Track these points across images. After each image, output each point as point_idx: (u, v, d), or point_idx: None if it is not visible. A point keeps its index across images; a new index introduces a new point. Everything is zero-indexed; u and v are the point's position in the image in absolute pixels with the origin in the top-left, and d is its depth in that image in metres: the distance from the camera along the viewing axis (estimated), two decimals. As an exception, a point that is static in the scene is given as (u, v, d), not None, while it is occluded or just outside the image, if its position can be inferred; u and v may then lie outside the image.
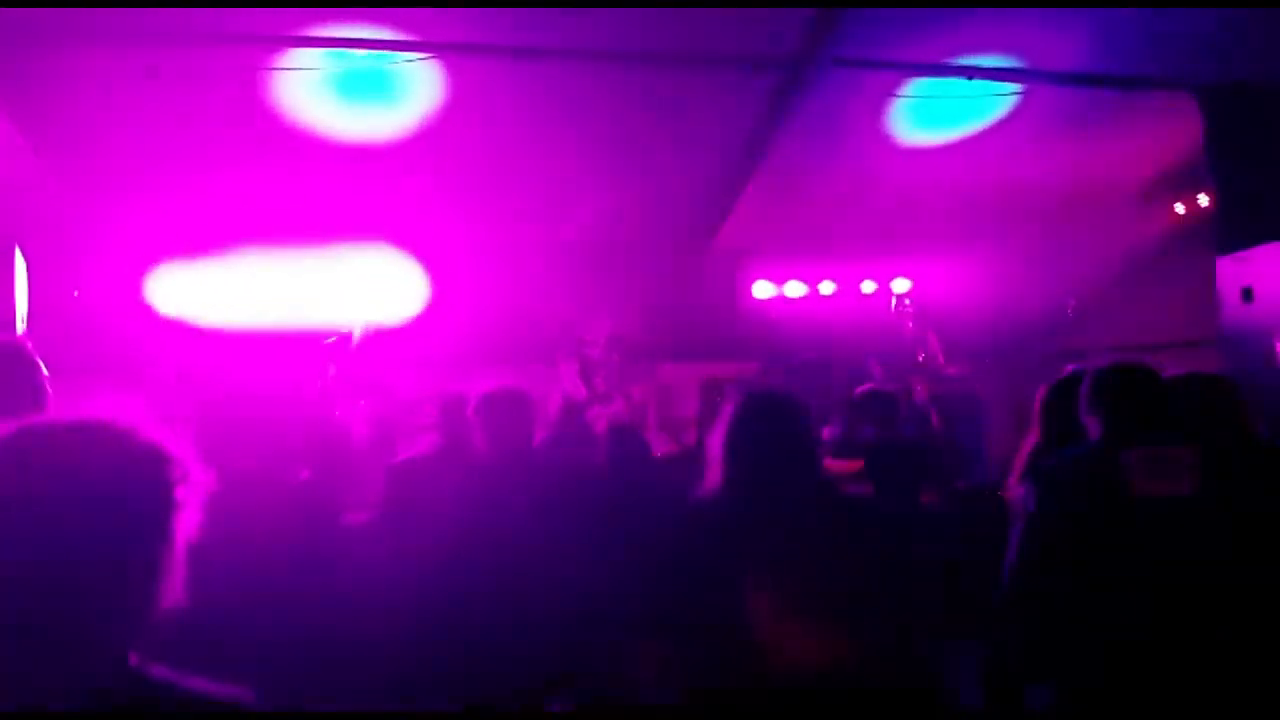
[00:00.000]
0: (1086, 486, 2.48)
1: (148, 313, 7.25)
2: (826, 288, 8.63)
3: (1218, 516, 2.38)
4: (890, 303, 8.04)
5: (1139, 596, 2.32)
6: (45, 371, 2.41)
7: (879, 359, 7.57)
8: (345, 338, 6.74)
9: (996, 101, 6.97)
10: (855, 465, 4.15)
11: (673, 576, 2.35)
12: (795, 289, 8.59)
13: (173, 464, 1.26)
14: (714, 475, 2.45)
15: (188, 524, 1.26)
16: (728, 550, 2.26)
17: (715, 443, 2.47)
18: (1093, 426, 2.71)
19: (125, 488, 1.21)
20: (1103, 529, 2.40)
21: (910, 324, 7.74)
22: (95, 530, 1.16)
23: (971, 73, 6.61)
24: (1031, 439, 3.38)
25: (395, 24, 5.71)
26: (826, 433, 4.86)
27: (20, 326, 4.84)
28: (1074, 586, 2.37)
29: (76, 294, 6.66)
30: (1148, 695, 2.29)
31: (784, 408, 2.48)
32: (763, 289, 8.55)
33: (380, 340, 6.80)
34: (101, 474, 1.20)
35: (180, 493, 1.25)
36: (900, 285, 8.57)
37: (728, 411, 2.49)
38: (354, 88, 6.19)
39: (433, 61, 6.01)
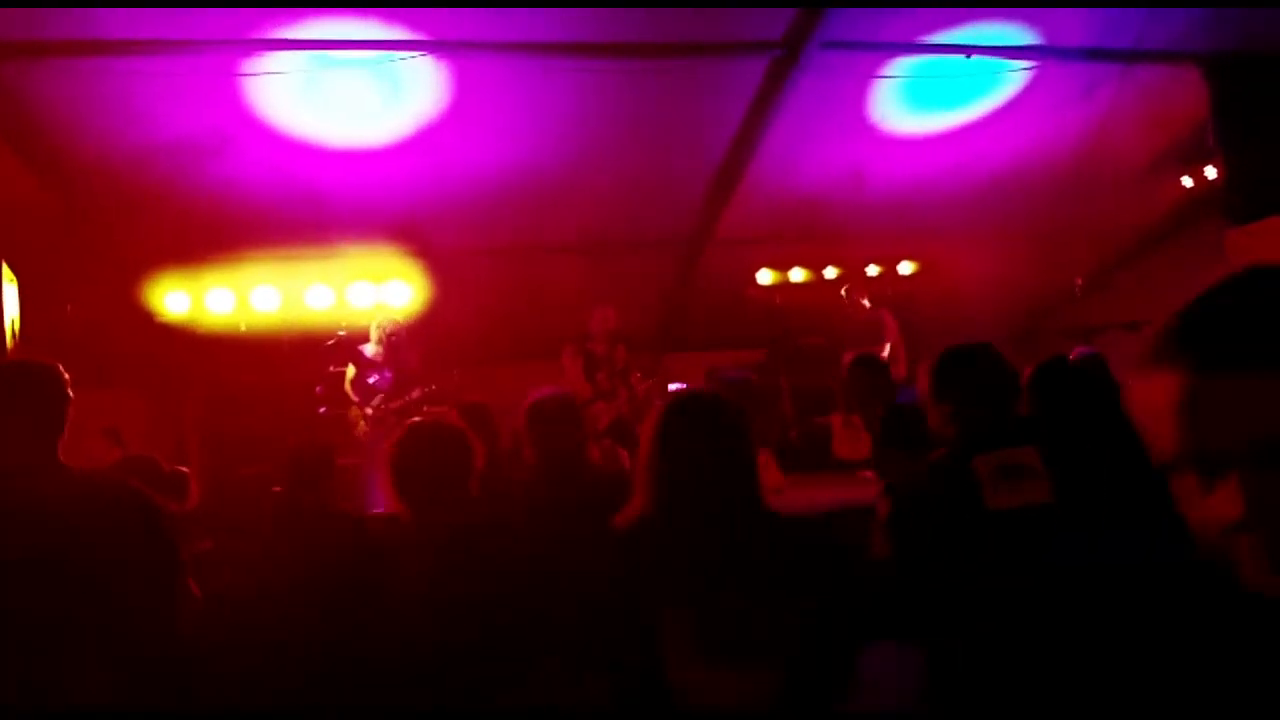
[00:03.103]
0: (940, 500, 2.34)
1: (145, 321, 7.21)
2: (831, 272, 8.54)
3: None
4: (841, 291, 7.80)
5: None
6: (70, 393, 2.39)
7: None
8: (353, 343, 6.72)
9: (997, 80, 6.88)
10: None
11: (593, 608, 2.17)
12: (799, 275, 8.50)
13: None
14: (639, 496, 2.18)
15: None
16: (648, 583, 2.04)
17: (641, 458, 2.20)
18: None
19: None
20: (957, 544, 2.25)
21: (863, 313, 7.65)
22: None
23: (970, 51, 6.51)
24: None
25: (389, 21, 5.65)
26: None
27: (9, 341, 4.81)
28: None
29: (69, 308, 6.63)
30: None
31: (718, 417, 2.18)
32: (766, 276, 8.48)
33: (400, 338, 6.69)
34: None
35: None
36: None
37: (654, 421, 2.20)
38: (350, 88, 6.13)
39: (427, 59, 5.95)
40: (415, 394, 6.31)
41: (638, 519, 2.16)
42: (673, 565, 2.05)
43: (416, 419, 2.80)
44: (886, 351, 7.42)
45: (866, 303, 7.71)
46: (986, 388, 2.55)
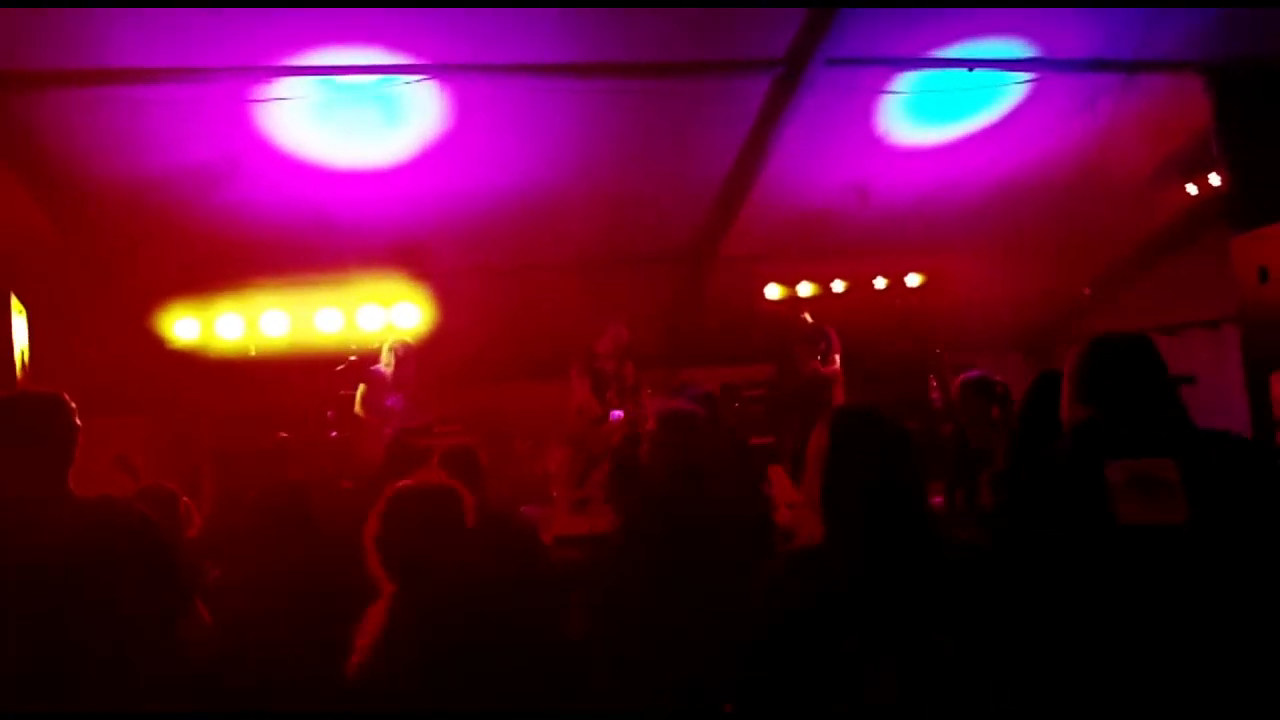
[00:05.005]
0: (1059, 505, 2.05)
1: (156, 347, 7.24)
2: (839, 286, 8.54)
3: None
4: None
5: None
6: (78, 422, 2.44)
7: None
8: (364, 363, 6.76)
9: (1001, 92, 6.89)
10: None
11: (762, 654, 1.96)
12: (807, 289, 8.50)
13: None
14: (815, 525, 2.01)
15: None
16: (837, 621, 1.88)
17: (812, 479, 2.03)
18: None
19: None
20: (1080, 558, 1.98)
21: (807, 328, 7.72)
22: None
23: (973, 64, 6.53)
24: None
25: (393, 46, 5.70)
26: None
27: (19, 372, 4.83)
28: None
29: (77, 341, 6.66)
30: None
31: (890, 434, 2.03)
32: (775, 290, 8.48)
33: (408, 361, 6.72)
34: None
35: None
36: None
37: (822, 440, 2.04)
38: (353, 112, 6.18)
39: (431, 83, 5.99)
40: (429, 419, 6.35)
41: (812, 550, 2.00)
42: (862, 602, 1.90)
43: (401, 484, 2.54)
44: (837, 362, 7.53)
45: (808, 317, 7.81)
46: None
